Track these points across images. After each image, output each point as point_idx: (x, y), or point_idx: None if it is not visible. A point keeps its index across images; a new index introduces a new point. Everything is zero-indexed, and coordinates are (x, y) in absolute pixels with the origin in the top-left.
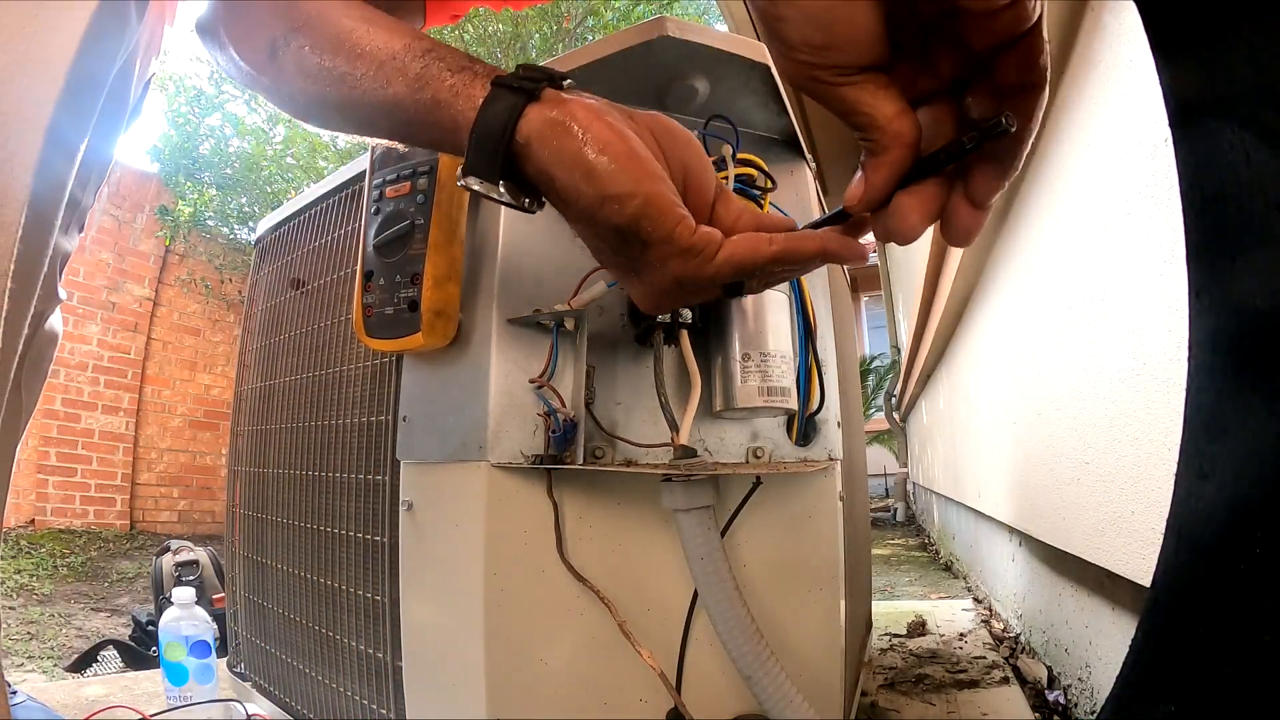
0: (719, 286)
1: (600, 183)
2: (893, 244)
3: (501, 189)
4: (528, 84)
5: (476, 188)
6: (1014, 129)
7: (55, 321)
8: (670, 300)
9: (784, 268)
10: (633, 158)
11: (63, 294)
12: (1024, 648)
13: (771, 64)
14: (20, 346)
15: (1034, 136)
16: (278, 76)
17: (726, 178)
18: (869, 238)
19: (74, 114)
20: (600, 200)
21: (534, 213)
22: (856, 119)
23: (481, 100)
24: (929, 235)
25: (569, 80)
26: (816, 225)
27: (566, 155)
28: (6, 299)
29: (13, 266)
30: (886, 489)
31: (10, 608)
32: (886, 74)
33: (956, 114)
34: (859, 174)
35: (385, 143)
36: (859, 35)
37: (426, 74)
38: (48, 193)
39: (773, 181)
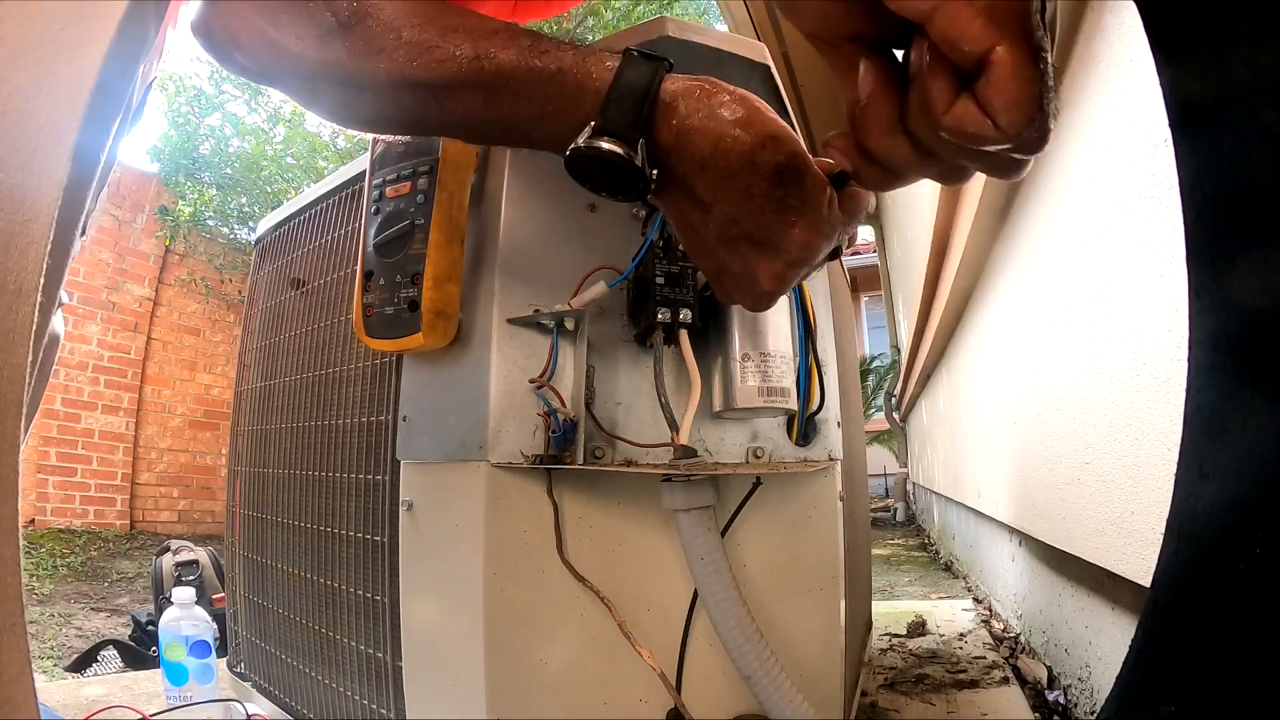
0: (836, 241)
1: (762, 125)
2: (893, 243)
3: (641, 146)
4: (657, 57)
5: (607, 146)
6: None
7: (57, 324)
8: (804, 261)
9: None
10: (771, 111)
11: (65, 296)
12: (1024, 648)
13: (770, 63)
14: (41, 355)
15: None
16: (333, 61)
17: None
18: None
19: (96, 125)
20: (763, 141)
21: (645, 195)
22: (843, 88)
23: (614, 65)
24: (929, 235)
25: None
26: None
27: (718, 108)
28: (37, 312)
29: (42, 280)
30: (886, 489)
31: None
32: (871, 46)
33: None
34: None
35: (390, 141)
36: (812, 10)
37: (541, 44)
38: (70, 204)
39: None
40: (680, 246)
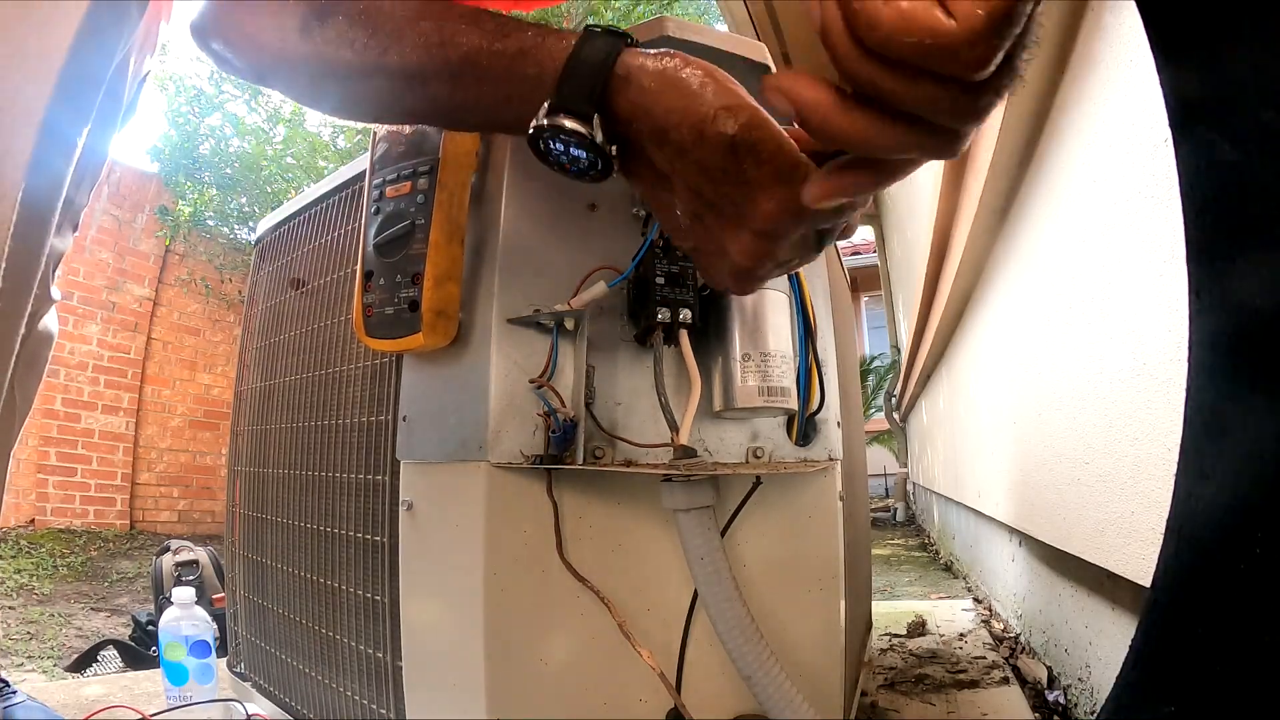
0: (813, 231)
1: (713, 95)
2: (893, 243)
3: (596, 122)
4: (618, 32)
5: (568, 124)
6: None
7: (50, 321)
8: (773, 235)
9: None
10: (733, 82)
11: (57, 294)
12: (1024, 648)
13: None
14: (16, 347)
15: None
16: (313, 53)
17: None
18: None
19: (71, 110)
20: (714, 113)
21: (608, 172)
22: None
23: (573, 43)
24: (929, 235)
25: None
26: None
27: (673, 79)
28: None
29: (4, 265)
30: (886, 489)
31: (10, 608)
32: None
33: None
34: None
35: (393, 129)
36: None
37: (506, 26)
38: (45, 190)
39: None
40: (663, 233)
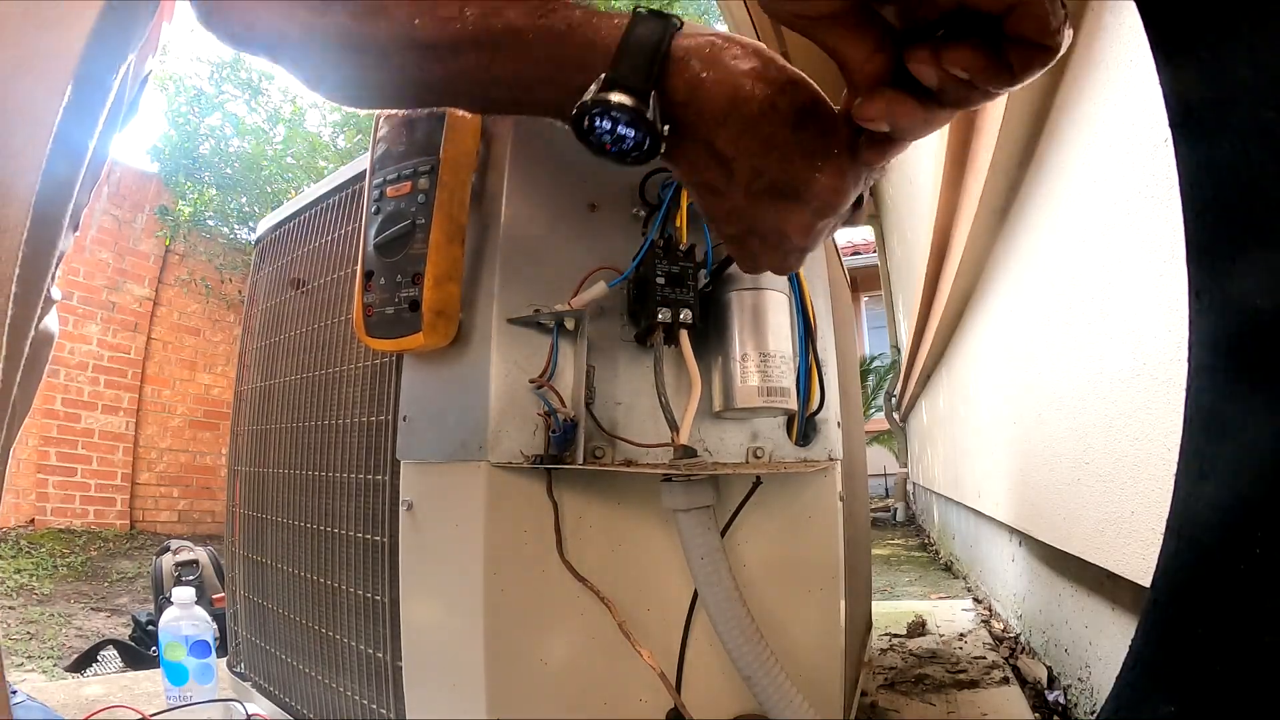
0: (862, 187)
1: (779, 71)
2: (893, 243)
3: (654, 99)
4: (668, 15)
5: (617, 99)
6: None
7: (50, 321)
8: (832, 208)
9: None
10: (782, 60)
11: (57, 294)
12: (1024, 648)
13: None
14: (25, 349)
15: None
16: (338, 21)
17: None
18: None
19: (81, 113)
20: (781, 86)
21: (654, 152)
22: (834, 59)
23: (625, 22)
24: (929, 235)
25: None
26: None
27: (732, 60)
28: (11, 304)
29: (18, 270)
30: (886, 489)
31: (10, 608)
32: (860, 14)
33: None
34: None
35: (399, 116)
36: None
37: (549, 3)
38: (54, 194)
39: None
40: (701, 214)
